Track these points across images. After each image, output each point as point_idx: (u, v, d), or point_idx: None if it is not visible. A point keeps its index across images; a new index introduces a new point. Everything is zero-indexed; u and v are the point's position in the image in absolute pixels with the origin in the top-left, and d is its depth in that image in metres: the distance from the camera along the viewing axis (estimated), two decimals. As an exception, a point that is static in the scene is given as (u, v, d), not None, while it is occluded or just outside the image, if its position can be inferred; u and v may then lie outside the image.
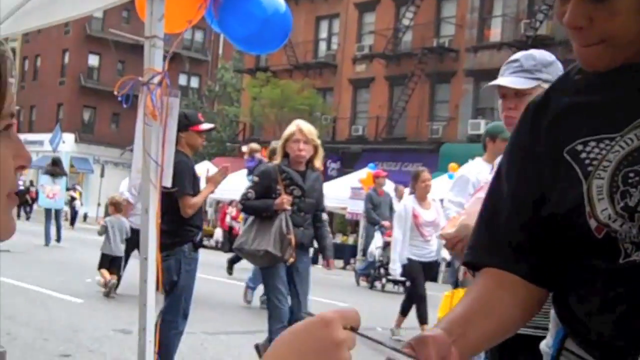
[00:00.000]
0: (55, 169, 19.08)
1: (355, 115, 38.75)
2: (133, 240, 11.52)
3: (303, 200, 6.78)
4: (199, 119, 6.74)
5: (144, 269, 3.52)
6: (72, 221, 36.56)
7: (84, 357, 7.41)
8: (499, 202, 1.76)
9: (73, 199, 36.87)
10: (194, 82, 56.45)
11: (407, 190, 16.56)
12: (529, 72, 3.12)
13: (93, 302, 10.98)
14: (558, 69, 3.10)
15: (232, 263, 15.46)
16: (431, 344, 1.53)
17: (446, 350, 1.55)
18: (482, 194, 2.94)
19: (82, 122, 54.21)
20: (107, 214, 12.50)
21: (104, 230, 11.68)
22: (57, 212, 20.43)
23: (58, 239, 20.36)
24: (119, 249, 11.69)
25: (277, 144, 10.07)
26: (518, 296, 1.69)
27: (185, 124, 6.34)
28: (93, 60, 54.94)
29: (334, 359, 1.05)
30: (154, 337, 3.53)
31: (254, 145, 13.01)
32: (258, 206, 6.80)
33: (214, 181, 6.66)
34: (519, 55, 3.23)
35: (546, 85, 2.97)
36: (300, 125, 6.80)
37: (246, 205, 6.99)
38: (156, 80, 3.40)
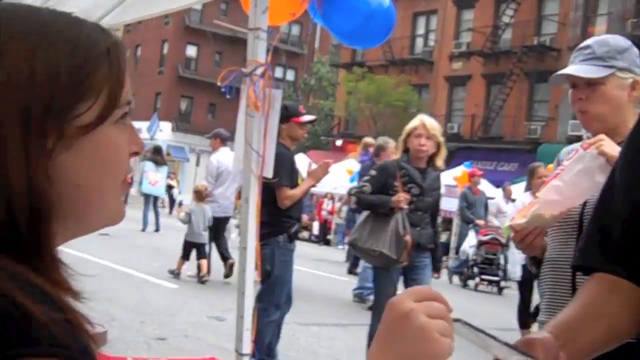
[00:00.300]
0: (157, 157, 19.45)
1: (451, 113, 38.41)
2: (213, 227, 11.94)
3: (421, 199, 6.56)
4: (300, 110, 6.71)
5: (242, 258, 3.56)
6: (171, 209, 36.77)
7: (179, 341, 7.53)
8: (612, 204, 1.71)
9: (171, 187, 37.00)
10: (290, 75, 56.75)
11: (514, 187, 16.42)
12: (601, 59, 2.84)
13: (188, 288, 11.17)
14: (634, 55, 2.88)
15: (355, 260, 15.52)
16: (539, 347, 1.50)
17: (554, 355, 1.52)
18: (557, 182, 2.74)
19: (179, 111, 55.05)
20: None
21: (187, 219, 11.96)
22: (155, 200, 20.77)
23: (157, 229, 20.69)
24: (202, 236, 11.96)
25: (383, 141, 9.98)
26: (630, 303, 1.63)
27: (286, 115, 6.30)
28: (191, 51, 55.70)
29: (404, 327, 1.08)
30: (251, 325, 3.58)
31: (369, 140, 12.91)
32: (373, 201, 6.60)
33: (314, 176, 6.62)
34: (591, 41, 2.93)
35: (621, 74, 2.80)
36: (423, 120, 6.52)
37: (361, 199, 6.78)
38: (259, 71, 3.42)
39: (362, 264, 11.74)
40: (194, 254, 12.07)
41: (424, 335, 1.08)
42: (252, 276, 3.56)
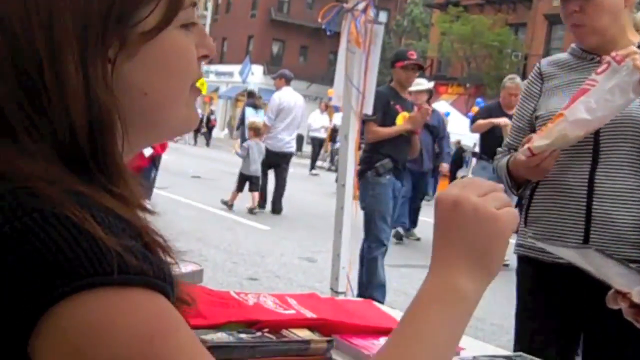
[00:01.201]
0: (255, 101, 19.68)
1: (549, 53, 37.38)
2: (266, 161, 12.48)
3: None
4: (406, 55, 6.72)
5: (340, 196, 3.52)
6: None
7: (270, 281, 7.62)
8: None
9: None
10: (382, 17, 56.04)
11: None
12: None
13: (279, 229, 11.27)
14: None
15: None
16: None
17: None
18: (588, 99, 2.47)
19: (270, 54, 55.09)
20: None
21: (245, 153, 12.43)
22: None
23: None
24: (257, 170, 12.42)
25: (507, 78, 9.56)
26: None
27: (392, 60, 6.52)
28: (284, -7, 55.65)
29: (457, 215, 1.05)
30: (348, 264, 3.56)
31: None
32: None
33: (412, 120, 6.61)
34: None
35: None
36: None
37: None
38: (361, 6, 3.35)
39: None
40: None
41: (479, 214, 1.04)
42: (350, 214, 3.53)
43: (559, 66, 2.89)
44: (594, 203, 2.62)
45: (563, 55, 2.98)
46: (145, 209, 0.93)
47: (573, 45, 2.92)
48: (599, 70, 2.50)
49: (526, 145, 2.56)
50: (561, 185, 2.70)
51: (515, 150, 2.91)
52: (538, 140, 2.54)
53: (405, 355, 1.00)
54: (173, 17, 0.96)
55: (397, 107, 6.59)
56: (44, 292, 0.76)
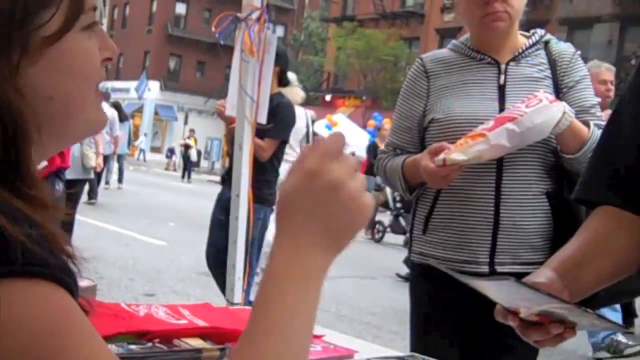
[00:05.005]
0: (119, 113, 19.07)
1: (442, 67, 38.33)
2: None
3: None
4: None
5: (234, 206, 3.49)
6: (186, 173, 31.67)
7: (168, 297, 7.56)
8: (619, 139, 1.67)
9: (187, 147, 32.30)
10: (279, 31, 56.25)
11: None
12: None
13: (176, 245, 11.18)
14: None
15: None
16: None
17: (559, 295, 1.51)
18: (513, 126, 2.48)
19: (167, 70, 54.68)
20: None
21: None
22: (120, 157, 19.88)
23: (120, 180, 20.79)
24: None
25: (593, 63, 9.40)
26: (636, 237, 1.61)
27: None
28: (180, 9, 55.23)
29: (333, 199, 1.00)
30: (243, 274, 3.53)
31: None
32: None
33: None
34: None
35: None
36: None
37: None
38: (254, 16, 3.35)
39: None
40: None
41: (352, 205, 1.01)
42: (244, 225, 3.50)
43: (443, 63, 2.84)
44: (501, 211, 2.65)
45: (443, 52, 2.92)
46: (59, 210, 0.93)
47: (455, 41, 2.89)
48: (530, 103, 2.52)
49: (442, 155, 2.53)
50: (468, 194, 2.69)
51: (402, 150, 2.90)
52: (455, 154, 2.52)
53: (261, 348, 0.94)
54: (75, 21, 0.96)
55: None
56: None
